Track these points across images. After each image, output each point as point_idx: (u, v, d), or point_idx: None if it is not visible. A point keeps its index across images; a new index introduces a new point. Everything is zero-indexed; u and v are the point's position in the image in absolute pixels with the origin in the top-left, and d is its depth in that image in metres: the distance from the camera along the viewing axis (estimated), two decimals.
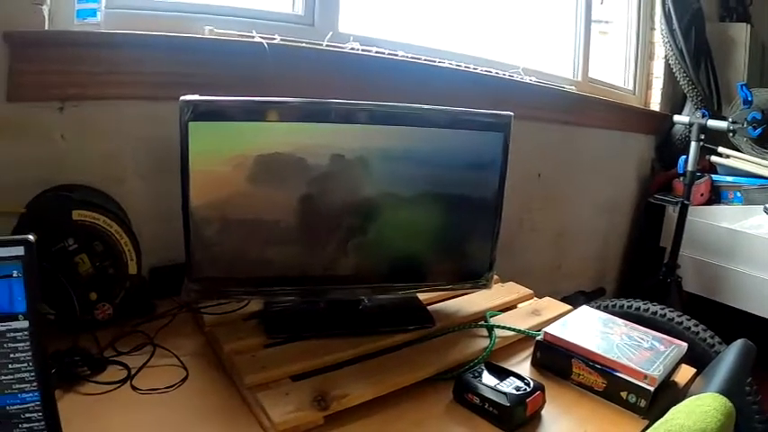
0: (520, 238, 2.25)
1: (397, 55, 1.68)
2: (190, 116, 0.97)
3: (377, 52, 1.64)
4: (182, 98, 0.98)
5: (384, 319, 1.17)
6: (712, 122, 2.37)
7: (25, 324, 0.66)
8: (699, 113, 2.46)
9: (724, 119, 2.40)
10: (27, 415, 0.67)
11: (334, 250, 1.11)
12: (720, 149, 2.62)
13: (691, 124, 2.40)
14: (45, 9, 1.12)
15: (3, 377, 0.66)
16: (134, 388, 0.94)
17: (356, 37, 1.62)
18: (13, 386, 0.66)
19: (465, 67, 1.87)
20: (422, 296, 1.28)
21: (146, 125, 1.28)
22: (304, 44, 1.49)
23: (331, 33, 1.56)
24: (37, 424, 0.67)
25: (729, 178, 2.64)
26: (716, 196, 2.67)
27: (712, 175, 2.67)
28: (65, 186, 1.16)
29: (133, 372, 0.97)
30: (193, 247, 1.04)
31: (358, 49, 1.60)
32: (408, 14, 1.90)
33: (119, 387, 0.94)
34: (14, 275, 0.66)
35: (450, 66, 1.83)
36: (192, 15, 1.37)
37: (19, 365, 0.66)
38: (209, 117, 0.99)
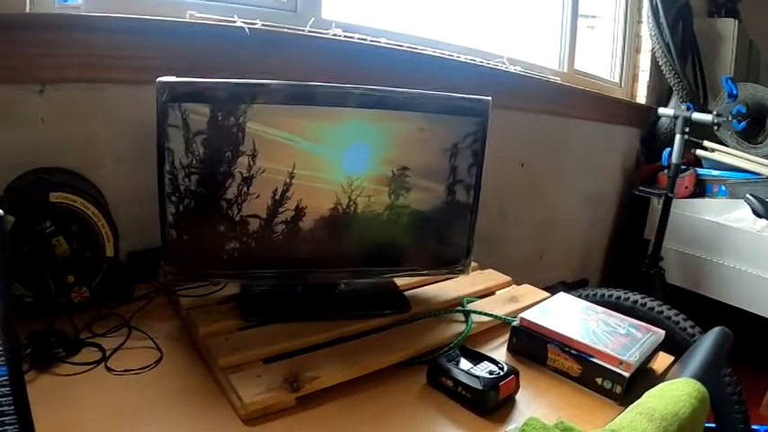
0: (502, 228, 2.26)
1: (379, 42, 1.68)
2: (167, 98, 0.97)
3: (359, 39, 1.63)
4: (158, 79, 0.97)
5: (360, 304, 1.17)
6: (697, 115, 2.38)
7: None
8: (684, 106, 2.47)
9: (709, 112, 2.42)
10: None
11: (311, 234, 1.11)
12: (705, 143, 2.64)
13: (676, 117, 2.42)
14: None
15: None
16: (108, 369, 0.94)
17: (339, 23, 1.62)
18: None
19: (449, 55, 1.87)
20: (399, 282, 1.28)
21: (125, 109, 1.27)
22: (286, 30, 1.48)
23: (313, 19, 1.56)
24: (5, 399, 0.66)
25: (715, 172, 2.65)
26: (701, 189, 2.68)
27: (697, 169, 2.68)
28: (43, 169, 1.16)
29: (108, 353, 0.97)
30: (170, 230, 1.03)
31: (340, 36, 1.60)
32: (392, 1, 1.90)
33: (93, 368, 0.94)
34: None
35: (434, 53, 1.83)
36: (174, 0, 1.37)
37: None
38: (187, 99, 0.98)
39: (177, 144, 0.99)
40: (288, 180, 1.06)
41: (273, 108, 1.03)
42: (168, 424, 0.83)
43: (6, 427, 0.67)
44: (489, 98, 1.16)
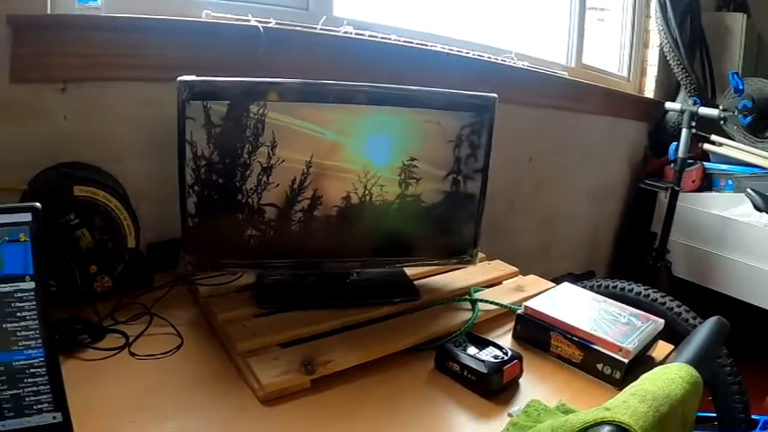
0: (510, 220, 2.29)
1: (389, 39, 1.72)
2: (187, 95, 1.01)
3: (370, 36, 1.67)
4: (179, 78, 1.01)
5: (371, 292, 1.22)
6: (704, 110, 2.40)
7: (32, 285, 0.71)
8: (691, 101, 2.49)
9: (716, 107, 2.43)
10: (32, 370, 0.71)
11: (326, 223, 1.15)
12: (713, 137, 2.65)
13: (682, 111, 2.44)
14: None
15: (10, 334, 0.70)
16: (132, 354, 0.99)
17: (350, 21, 1.66)
18: (20, 343, 0.71)
19: (457, 51, 1.91)
20: (409, 272, 1.32)
21: (143, 106, 1.32)
22: (298, 28, 1.53)
23: (325, 18, 1.60)
24: (41, 379, 0.72)
25: (723, 166, 2.66)
26: (707, 183, 2.70)
27: (704, 163, 2.70)
28: (65, 164, 1.20)
29: (131, 339, 1.02)
30: (190, 220, 1.08)
31: (351, 33, 1.64)
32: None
33: (117, 353, 0.99)
34: (22, 239, 0.71)
35: (443, 50, 1.86)
36: None
37: (25, 323, 0.71)
38: (206, 96, 1.02)
39: (198, 138, 1.04)
40: (306, 169, 1.11)
41: (288, 105, 1.08)
42: (191, 405, 0.88)
43: (42, 405, 0.72)
44: (496, 95, 1.20)
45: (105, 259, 1.13)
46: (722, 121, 2.45)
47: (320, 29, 1.58)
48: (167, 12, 1.34)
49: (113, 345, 1.00)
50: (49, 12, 1.17)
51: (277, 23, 1.47)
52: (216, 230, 1.10)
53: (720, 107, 2.41)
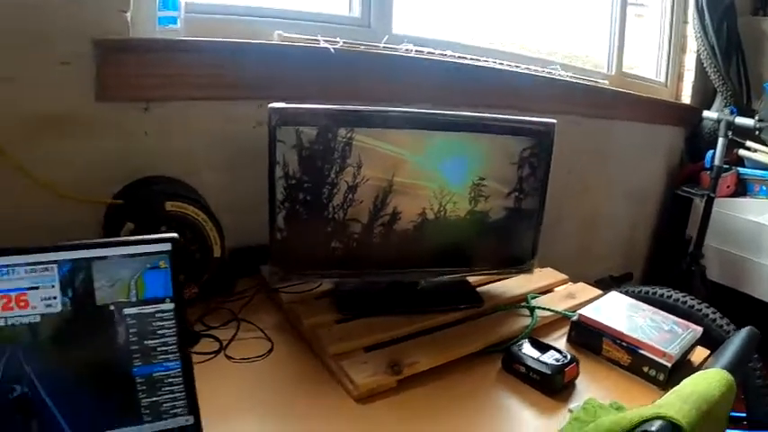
0: (555, 227, 2.32)
1: (445, 55, 1.80)
2: (278, 121, 1.11)
3: (428, 53, 1.75)
4: (270, 105, 1.11)
5: (439, 299, 1.32)
6: (740, 120, 2.44)
7: (171, 306, 0.81)
8: (727, 110, 2.52)
9: (752, 116, 2.46)
10: (169, 380, 0.81)
11: (402, 238, 1.25)
12: (748, 143, 2.67)
13: (719, 120, 2.47)
14: (128, 16, 1.24)
15: (151, 350, 0.80)
16: (228, 357, 1.09)
17: (409, 38, 1.74)
18: (159, 357, 0.81)
19: (508, 65, 1.99)
20: (470, 279, 1.42)
21: (220, 123, 1.41)
22: (363, 48, 1.61)
23: (387, 37, 1.68)
24: (177, 387, 0.82)
25: (758, 172, 2.67)
26: (742, 188, 2.71)
27: (739, 168, 2.71)
28: (151, 178, 1.30)
29: (225, 343, 1.12)
30: (278, 235, 1.18)
31: (412, 51, 1.71)
32: (450, 11, 2.03)
33: (214, 357, 1.09)
34: (162, 266, 0.81)
35: (495, 65, 1.94)
36: (262, 20, 1.51)
37: (164, 340, 0.81)
38: (293, 122, 1.12)
39: (288, 158, 1.14)
40: (388, 187, 1.21)
41: (365, 130, 1.17)
42: (293, 404, 1.00)
43: (177, 410, 0.82)
44: (554, 121, 1.30)
45: (193, 268, 1.22)
46: (757, 131, 2.48)
47: (383, 47, 1.66)
48: (241, 32, 1.43)
49: (209, 349, 1.10)
50: (130, 34, 1.25)
51: (345, 43, 1.54)
52: (302, 243, 1.20)
53: (756, 117, 2.43)
